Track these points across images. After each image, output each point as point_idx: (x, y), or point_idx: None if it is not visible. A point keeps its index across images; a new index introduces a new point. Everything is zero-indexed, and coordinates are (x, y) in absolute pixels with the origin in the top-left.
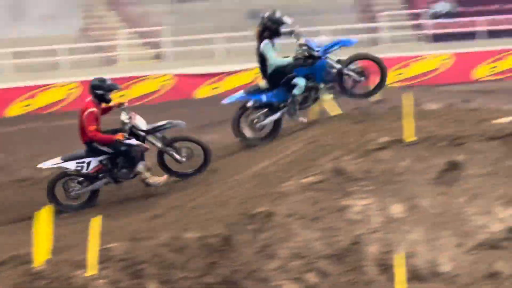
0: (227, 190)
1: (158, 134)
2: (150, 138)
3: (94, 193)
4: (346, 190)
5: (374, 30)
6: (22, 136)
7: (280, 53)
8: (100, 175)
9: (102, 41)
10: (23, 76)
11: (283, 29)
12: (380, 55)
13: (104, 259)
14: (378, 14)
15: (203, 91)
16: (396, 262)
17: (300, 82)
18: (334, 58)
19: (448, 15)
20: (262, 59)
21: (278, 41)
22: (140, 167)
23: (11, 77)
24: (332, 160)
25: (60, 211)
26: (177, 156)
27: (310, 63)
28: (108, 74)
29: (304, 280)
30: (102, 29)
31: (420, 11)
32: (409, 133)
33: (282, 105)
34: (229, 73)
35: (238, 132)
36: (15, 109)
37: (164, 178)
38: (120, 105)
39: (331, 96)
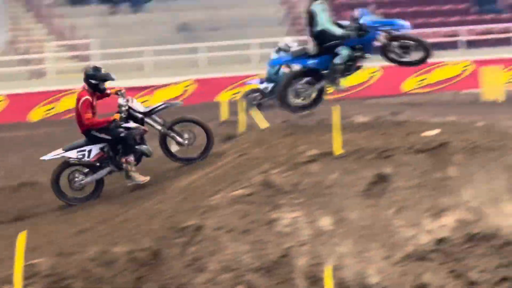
0: (156, 203)
1: (157, 118)
2: (148, 120)
3: (99, 183)
4: (275, 203)
5: (303, 42)
6: None
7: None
8: (103, 163)
9: (30, 54)
10: None
11: None
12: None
13: (30, 274)
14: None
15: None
16: (325, 275)
17: (344, 51)
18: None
19: None
20: (311, 19)
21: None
22: (144, 147)
23: None
24: (261, 173)
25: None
26: (179, 139)
27: (360, 35)
28: (37, 87)
29: None
30: (30, 42)
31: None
32: (337, 146)
33: (325, 72)
34: (158, 87)
35: (283, 100)
36: None
37: (146, 178)
38: (117, 92)
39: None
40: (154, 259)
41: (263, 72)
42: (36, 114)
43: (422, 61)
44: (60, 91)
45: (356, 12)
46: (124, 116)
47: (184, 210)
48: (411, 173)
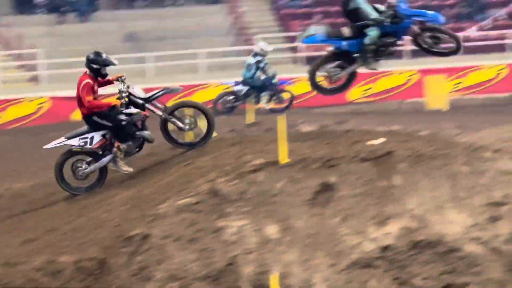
0: (103, 213)
1: (158, 104)
2: (149, 106)
3: (102, 172)
4: (222, 211)
5: (249, 52)
6: None
7: None
8: (105, 151)
9: None
10: None
11: None
12: None
13: None
14: (254, 37)
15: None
16: (271, 282)
17: (372, 32)
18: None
19: None
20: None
21: None
22: (146, 132)
23: None
24: (208, 182)
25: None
26: (180, 124)
27: (395, 22)
28: None
29: None
30: None
31: (295, 34)
32: (283, 155)
33: (356, 56)
34: (106, 96)
35: (313, 83)
36: None
37: (129, 169)
38: (118, 78)
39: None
40: (101, 268)
41: (212, 81)
42: None
43: (452, 53)
44: (7, 101)
45: (393, 0)
46: (124, 102)
47: (131, 218)
48: (356, 181)
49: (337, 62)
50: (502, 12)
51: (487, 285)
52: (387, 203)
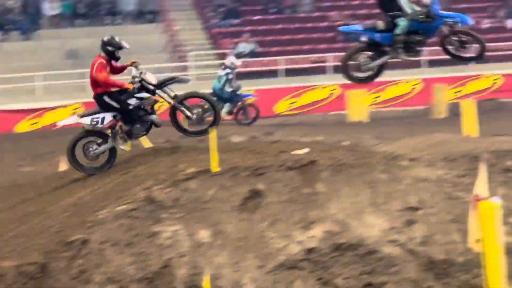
0: (45, 219)
1: (169, 91)
2: (160, 92)
3: (112, 153)
4: (157, 217)
5: (184, 68)
6: None
7: None
8: (114, 132)
9: None
10: None
11: None
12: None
13: None
14: (187, 54)
15: (23, 126)
16: (203, 284)
17: (402, 23)
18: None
19: (250, 54)
20: None
21: None
22: (154, 116)
23: None
24: (144, 190)
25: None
26: (188, 113)
27: (427, 21)
28: None
29: None
30: None
31: (226, 51)
32: (214, 164)
33: (387, 49)
34: (48, 109)
35: (345, 72)
36: None
37: (127, 148)
38: (133, 63)
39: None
40: (42, 272)
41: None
42: None
43: (475, 58)
44: None
45: (428, 0)
46: (137, 87)
47: (72, 225)
48: (282, 188)
49: (368, 53)
50: None
51: (403, 284)
52: (311, 209)
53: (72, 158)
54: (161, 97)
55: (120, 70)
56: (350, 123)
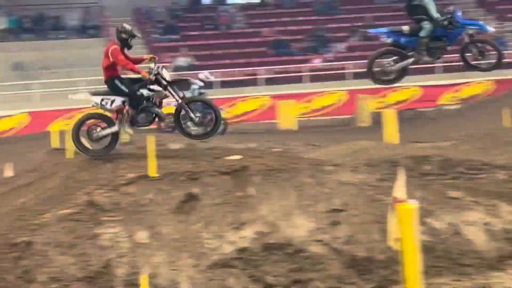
0: None
1: (178, 90)
2: (171, 89)
3: (114, 138)
4: (98, 220)
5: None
6: None
7: None
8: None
9: None
10: None
11: None
12: None
13: None
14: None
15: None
16: (142, 282)
17: (427, 26)
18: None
19: (188, 68)
20: None
21: None
22: (160, 110)
23: None
24: (86, 194)
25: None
26: (192, 115)
27: (450, 28)
28: None
29: None
30: None
31: (165, 64)
32: (152, 170)
33: (410, 53)
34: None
35: (370, 72)
36: None
37: (131, 132)
38: (152, 58)
39: None
40: None
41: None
42: None
43: (491, 68)
44: None
45: (451, 8)
46: (151, 79)
47: (17, 227)
48: (216, 192)
49: (393, 57)
50: (342, 45)
51: (329, 280)
52: (243, 211)
53: (77, 140)
54: (171, 94)
55: (136, 61)
56: (281, 131)
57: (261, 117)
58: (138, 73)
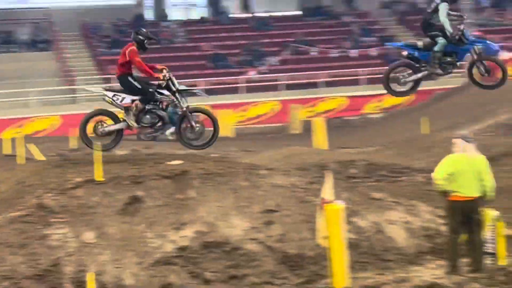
0: None
1: (184, 99)
2: (178, 96)
3: (119, 135)
4: (47, 221)
5: (72, 91)
6: None
7: None
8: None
9: None
10: None
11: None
12: (79, 112)
13: None
14: (76, 79)
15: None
16: (88, 279)
17: (442, 41)
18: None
19: None
20: (433, 11)
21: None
22: (164, 113)
23: None
24: (36, 197)
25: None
26: (193, 124)
27: (460, 44)
28: None
29: None
30: None
31: (111, 76)
32: (99, 174)
33: (423, 67)
34: None
35: (386, 86)
36: None
37: (135, 126)
38: (163, 68)
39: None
40: None
41: (43, 114)
42: None
43: (496, 86)
44: None
45: (462, 26)
46: (165, 79)
47: None
48: (159, 195)
49: (407, 70)
50: (275, 59)
51: (262, 275)
52: (184, 212)
53: (84, 134)
54: (177, 100)
55: (151, 68)
56: (219, 138)
57: None
58: (151, 75)
